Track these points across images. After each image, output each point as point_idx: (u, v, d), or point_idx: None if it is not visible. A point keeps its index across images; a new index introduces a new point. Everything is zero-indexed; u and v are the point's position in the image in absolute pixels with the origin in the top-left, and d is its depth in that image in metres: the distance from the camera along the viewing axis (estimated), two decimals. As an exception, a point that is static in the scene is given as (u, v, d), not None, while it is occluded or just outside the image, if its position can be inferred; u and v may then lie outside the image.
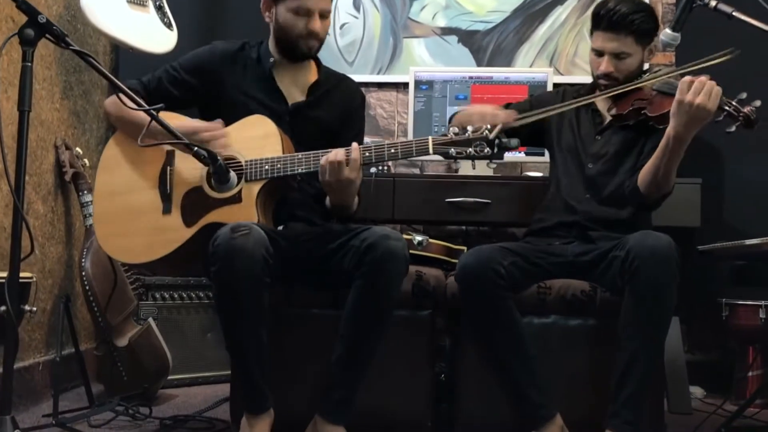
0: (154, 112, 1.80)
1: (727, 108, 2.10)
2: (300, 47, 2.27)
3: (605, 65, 2.33)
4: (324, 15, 2.26)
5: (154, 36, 2.93)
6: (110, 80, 1.77)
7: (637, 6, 2.33)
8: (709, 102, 2.05)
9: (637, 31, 2.31)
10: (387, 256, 2.05)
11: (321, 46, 2.32)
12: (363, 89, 2.52)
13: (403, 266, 2.10)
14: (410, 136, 3.16)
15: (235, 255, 1.94)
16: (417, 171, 3.42)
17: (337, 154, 2.08)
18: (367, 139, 3.16)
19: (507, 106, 2.55)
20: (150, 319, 2.84)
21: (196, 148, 1.90)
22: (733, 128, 2.13)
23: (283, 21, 2.25)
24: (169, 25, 2.97)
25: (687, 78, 2.08)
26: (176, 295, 3.07)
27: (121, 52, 3.28)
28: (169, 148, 2.17)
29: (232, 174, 2.07)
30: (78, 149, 2.88)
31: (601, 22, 2.33)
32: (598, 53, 2.36)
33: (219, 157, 1.98)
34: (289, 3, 2.23)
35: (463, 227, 3.31)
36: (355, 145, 2.10)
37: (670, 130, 2.12)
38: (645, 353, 2.05)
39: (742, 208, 3.13)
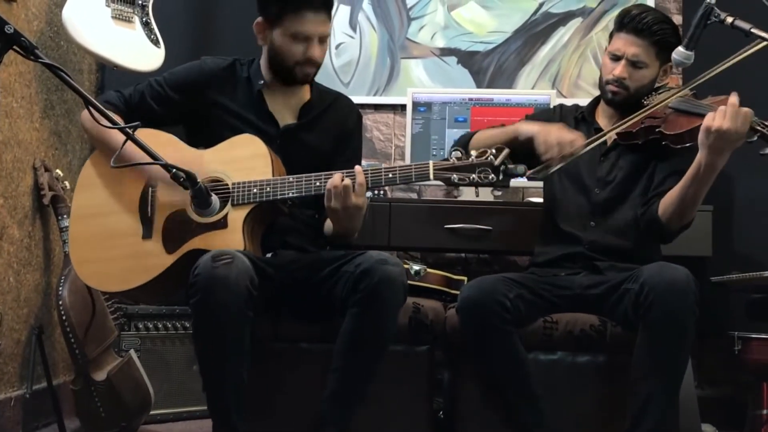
0: (130, 131, 1.66)
1: (759, 128, 1.98)
2: (296, 74, 2.15)
3: (620, 69, 2.21)
4: (322, 40, 2.13)
5: (140, 53, 2.80)
6: (83, 96, 1.63)
7: (664, 17, 2.25)
8: (739, 125, 1.94)
9: (660, 42, 2.21)
10: (383, 283, 1.93)
11: (317, 71, 2.20)
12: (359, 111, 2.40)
13: (401, 294, 1.97)
14: (408, 160, 3.07)
15: (216, 286, 1.81)
16: (415, 196, 3.30)
17: (342, 178, 1.95)
18: (363, 163, 3.05)
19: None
20: (131, 351, 2.69)
21: (174, 170, 1.76)
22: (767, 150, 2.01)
23: (279, 46, 2.12)
24: (156, 42, 2.85)
25: (708, 99, 1.97)
26: (160, 325, 2.92)
27: (106, 70, 3.15)
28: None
29: (214, 198, 1.94)
30: (58, 171, 2.74)
31: (626, 24, 2.21)
32: (615, 57, 2.23)
33: (199, 180, 1.84)
34: (287, 28, 2.09)
35: (463, 255, 3.19)
36: (358, 168, 1.98)
37: (701, 158, 2.01)
38: (660, 395, 1.92)
39: (755, 236, 3.00)
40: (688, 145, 2.07)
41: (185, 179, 1.78)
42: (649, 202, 2.18)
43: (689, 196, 2.06)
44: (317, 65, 2.16)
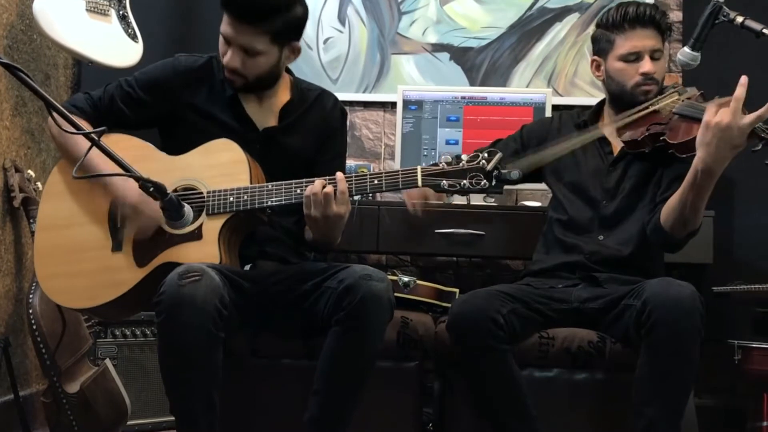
0: (96, 137, 1.53)
1: (765, 135, 1.85)
2: (224, 76, 2.02)
3: (649, 65, 2.11)
4: (247, 51, 1.95)
5: (117, 48, 2.67)
6: (44, 99, 1.51)
7: (652, 3, 2.15)
8: (740, 122, 1.79)
9: (666, 30, 2.15)
10: (368, 300, 1.81)
11: (247, 83, 2.01)
12: (348, 108, 2.27)
13: (387, 311, 1.87)
14: (397, 159, 2.98)
15: (182, 306, 1.70)
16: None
17: (323, 185, 1.83)
18: (351, 162, 2.94)
19: (495, 143, 2.34)
20: (107, 361, 2.58)
21: (141, 181, 1.64)
22: None
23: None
24: (133, 37, 2.72)
25: (715, 101, 1.85)
26: (138, 332, 2.81)
27: (83, 66, 3.02)
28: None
29: (187, 208, 1.81)
30: (30, 172, 2.61)
31: (633, 20, 2.11)
32: (634, 56, 2.12)
33: (169, 191, 1.71)
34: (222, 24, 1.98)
35: (454, 258, 3.08)
36: (340, 175, 1.86)
37: (697, 162, 1.87)
38: (663, 421, 1.81)
39: (757, 243, 2.92)
40: (694, 153, 1.95)
41: (154, 190, 1.65)
42: (655, 209, 2.07)
43: (689, 204, 1.94)
44: (236, 72, 1.98)
